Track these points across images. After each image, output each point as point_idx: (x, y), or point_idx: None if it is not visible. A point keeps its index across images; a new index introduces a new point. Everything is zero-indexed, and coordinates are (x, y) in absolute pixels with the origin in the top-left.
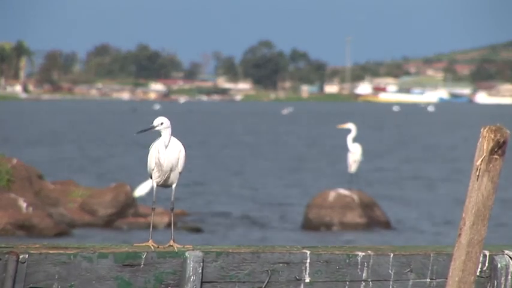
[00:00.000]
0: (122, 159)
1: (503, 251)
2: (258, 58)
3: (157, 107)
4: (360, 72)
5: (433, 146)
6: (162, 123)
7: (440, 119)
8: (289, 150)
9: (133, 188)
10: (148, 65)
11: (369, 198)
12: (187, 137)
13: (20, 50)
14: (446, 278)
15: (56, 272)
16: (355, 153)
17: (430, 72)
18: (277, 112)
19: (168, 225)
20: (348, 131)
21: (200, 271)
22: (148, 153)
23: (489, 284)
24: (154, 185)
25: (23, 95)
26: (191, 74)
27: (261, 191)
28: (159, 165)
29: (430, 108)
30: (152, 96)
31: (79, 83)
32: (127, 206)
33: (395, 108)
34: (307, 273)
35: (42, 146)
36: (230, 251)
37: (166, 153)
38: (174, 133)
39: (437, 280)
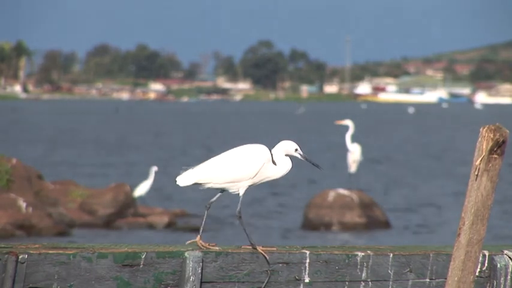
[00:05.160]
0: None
1: (502, 251)
2: (258, 58)
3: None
4: (360, 72)
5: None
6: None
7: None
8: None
9: (132, 188)
10: (147, 65)
11: (368, 198)
12: (195, 136)
13: (20, 49)
14: (446, 278)
15: (55, 272)
16: (354, 153)
17: (429, 72)
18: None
19: (168, 225)
20: (346, 128)
21: (200, 271)
22: (245, 158)
23: (488, 284)
24: (241, 193)
25: (23, 95)
26: (190, 73)
27: (260, 191)
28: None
29: None
30: (152, 96)
31: (79, 83)
32: (126, 206)
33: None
34: (306, 273)
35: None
36: (229, 251)
37: None
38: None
39: (437, 280)
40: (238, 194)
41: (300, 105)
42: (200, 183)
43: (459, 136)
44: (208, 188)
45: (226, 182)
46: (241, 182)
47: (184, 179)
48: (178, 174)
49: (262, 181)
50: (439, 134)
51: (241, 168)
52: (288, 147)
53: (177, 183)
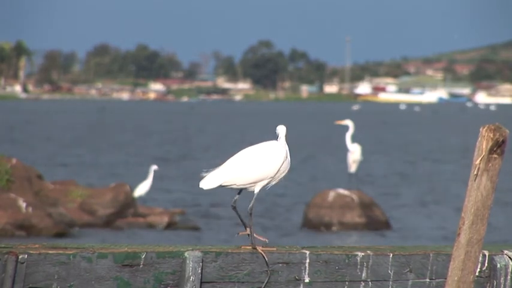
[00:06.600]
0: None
1: (502, 251)
2: (258, 58)
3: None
4: (360, 72)
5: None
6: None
7: None
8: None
9: (132, 188)
10: (147, 64)
11: (368, 198)
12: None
13: (20, 49)
14: (446, 278)
15: (55, 272)
16: (354, 153)
17: (429, 72)
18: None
19: (168, 225)
20: (346, 128)
21: (199, 271)
22: (260, 158)
23: (488, 284)
24: (257, 191)
25: (23, 95)
26: (190, 73)
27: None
28: (280, 170)
29: None
30: (151, 96)
31: (78, 83)
32: (126, 206)
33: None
34: (306, 273)
35: None
36: (229, 251)
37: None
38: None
39: (437, 280)
40: (254, 191)
41: (355, 103)
42: (224, 186)
43: None
44: (230, 189)
45: (250, 182)
46: (262, 181)
47: (209, 183)
48: (201, 177)
49: (279, 177)
50: None
51: (266, 168)
52: (285, 131)
53: (201, 186)
